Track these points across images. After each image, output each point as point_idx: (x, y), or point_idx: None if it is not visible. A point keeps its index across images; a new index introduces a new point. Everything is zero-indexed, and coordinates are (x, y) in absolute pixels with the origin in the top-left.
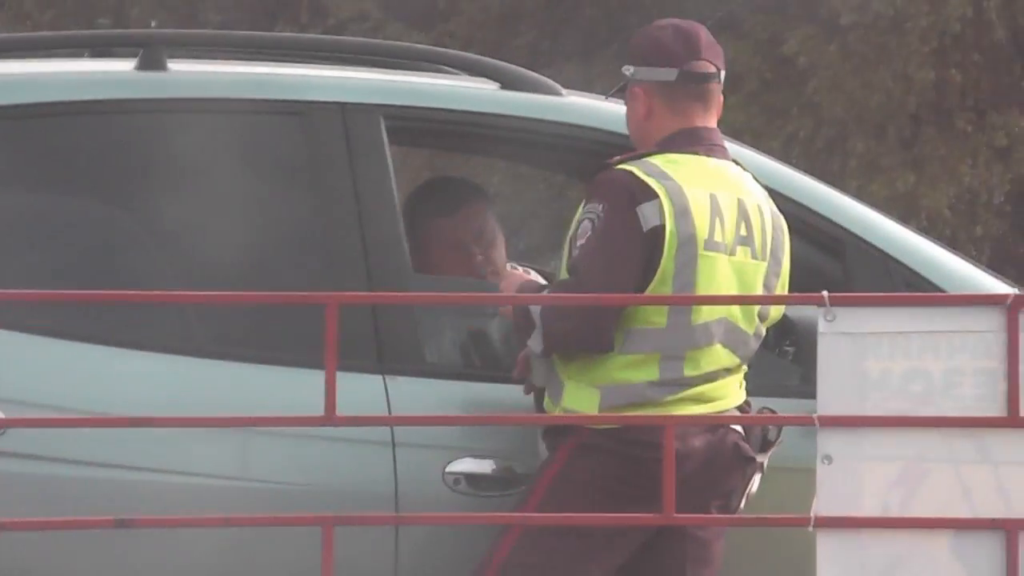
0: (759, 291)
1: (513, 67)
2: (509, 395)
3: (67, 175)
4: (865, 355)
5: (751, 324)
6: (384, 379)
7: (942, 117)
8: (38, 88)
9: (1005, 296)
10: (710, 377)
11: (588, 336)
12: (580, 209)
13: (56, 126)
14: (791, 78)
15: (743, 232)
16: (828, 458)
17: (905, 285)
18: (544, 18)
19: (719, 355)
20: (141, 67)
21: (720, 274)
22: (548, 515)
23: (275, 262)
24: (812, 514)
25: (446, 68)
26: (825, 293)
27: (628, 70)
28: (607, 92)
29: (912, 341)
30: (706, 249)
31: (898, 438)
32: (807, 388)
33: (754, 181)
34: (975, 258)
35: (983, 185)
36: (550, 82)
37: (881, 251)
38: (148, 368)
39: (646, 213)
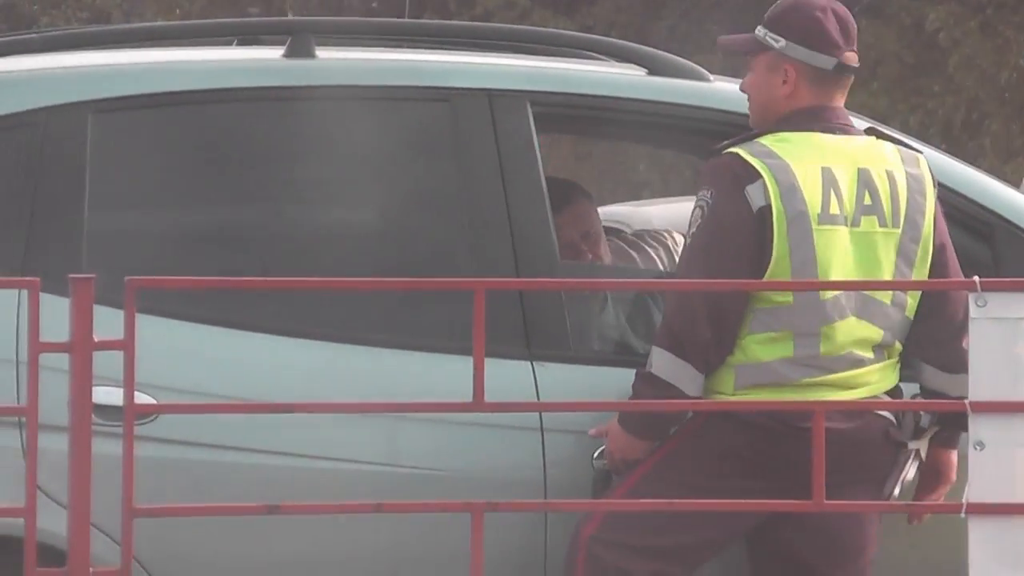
0: (892, 259)
1: (660, 53)
2: None
3: (216, 162)
4: (1017, 340)
5: (887, 294)
6: (532, 365)
7: None
8: (188, 76)
9: None
10: (854, 362)
11: (711, 323)
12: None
13: (205, 114)
14: (933, 60)
15: (867, 201)
16: (980, 444)
17: None
18: (689, 3)
19: (855, 328)
20: (289, 55)
21: (839, 246)
22: (693, 502)
23: (422, 248)
24: (964, 500)
25: (593, 54)
26: (976, 278)
27: (778, 42)
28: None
29: None
30: (820, 223)
31: None
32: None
33: (891, 150)
34: None
35: None
36: (697, 68)
37: None
38: (294, 354)
39: (752, 194)
